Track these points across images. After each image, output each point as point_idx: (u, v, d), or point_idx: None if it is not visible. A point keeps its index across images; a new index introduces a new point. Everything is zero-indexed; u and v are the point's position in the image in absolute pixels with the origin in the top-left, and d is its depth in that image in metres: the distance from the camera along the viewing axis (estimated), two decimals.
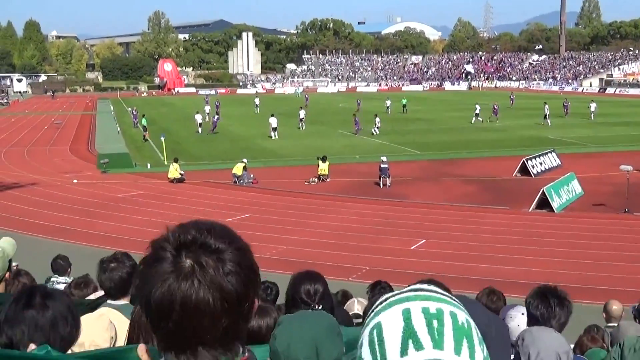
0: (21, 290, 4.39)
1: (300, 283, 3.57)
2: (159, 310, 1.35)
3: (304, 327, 2.22)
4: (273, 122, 46.20)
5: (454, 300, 1.27)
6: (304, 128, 50.83)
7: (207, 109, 61.93)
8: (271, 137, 45.86)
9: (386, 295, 1.29)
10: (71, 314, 2.78)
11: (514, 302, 6.89)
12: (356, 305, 5.29)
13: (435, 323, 1.18)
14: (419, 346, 1.16)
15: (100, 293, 5.84)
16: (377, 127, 47.43)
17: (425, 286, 1.30)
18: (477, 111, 54.92)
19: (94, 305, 4.54)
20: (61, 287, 8.10)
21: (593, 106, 56.26)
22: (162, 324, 1.36)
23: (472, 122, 54.26)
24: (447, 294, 1.29)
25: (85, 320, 3.66)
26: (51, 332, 2.67)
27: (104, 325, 3.96)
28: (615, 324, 7.09)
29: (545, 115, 52.37)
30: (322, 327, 2.23)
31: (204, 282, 1.34)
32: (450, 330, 1.18)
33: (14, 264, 4.67)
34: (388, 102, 64.56)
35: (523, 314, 4.66)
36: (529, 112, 61.11)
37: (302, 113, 52.64)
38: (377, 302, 1.30)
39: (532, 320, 4.00)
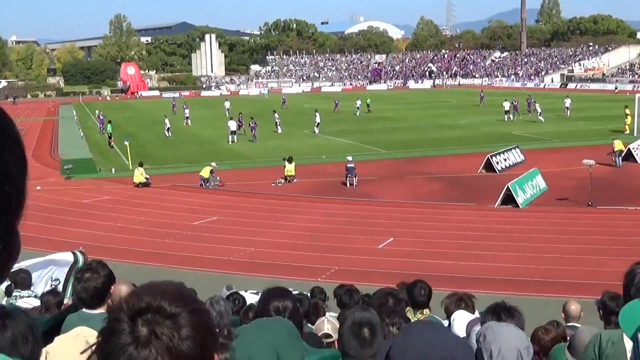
0: None
1: (270, 300, 3.57)
2: None
3: (263, 334, 2.22)
4: (232, 125, 45.24)
5: None
6: (280, 131, 48.93)
7: (187, 112, 59.66)
8: (229, 141, 44.63)
9: None
10: (32, 333, 2.73)
11: (482, 299, 6.98)
12: (326, 325, 5.30)
13: None
14: None
15: None
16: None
17: None
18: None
19: (61, 318, 4.47)
20: (25, 300, 7.96)
21: (568, 102, 56.71)
22: None
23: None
24: None
25: (60, 341, 3.60)
26: (12, 352, 2.62)
27: (80, 347, 3.90)
28: (573, 324, 7.19)
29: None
30: (281, 332, 2.24)
31: (162, 350, 1.34)
32: None
33: None
34: (358, 102, 64.35)
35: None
36: (494, 109, 61.52)
37: (276, 116, 50.30)
38: None
39: None
